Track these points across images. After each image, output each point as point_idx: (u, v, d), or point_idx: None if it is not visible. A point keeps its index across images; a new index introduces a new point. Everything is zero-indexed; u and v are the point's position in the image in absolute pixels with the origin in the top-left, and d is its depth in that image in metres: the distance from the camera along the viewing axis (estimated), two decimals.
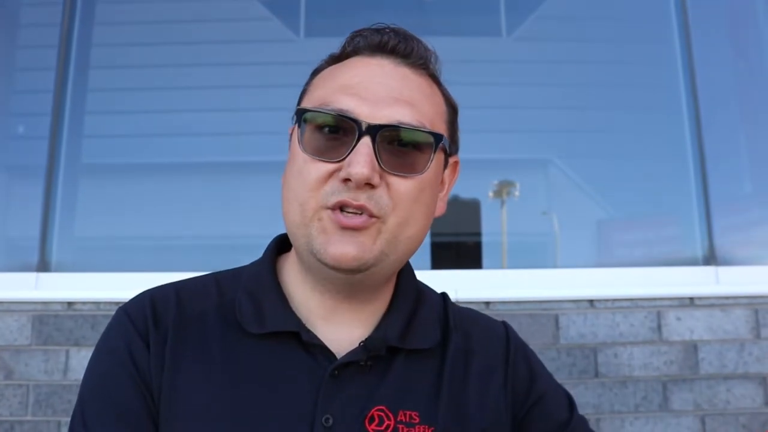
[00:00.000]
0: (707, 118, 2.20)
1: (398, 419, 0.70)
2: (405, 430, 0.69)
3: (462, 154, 2.48)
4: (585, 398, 1.92)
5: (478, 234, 2.44)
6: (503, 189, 2.71)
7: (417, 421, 0.70)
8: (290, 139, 0.74)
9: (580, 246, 2.56)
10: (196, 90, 2.33)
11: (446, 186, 0.79)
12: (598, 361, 1.93)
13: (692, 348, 1.93)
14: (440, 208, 0.78)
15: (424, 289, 0.82)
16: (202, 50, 2.38)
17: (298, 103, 0.76)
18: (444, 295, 0.84)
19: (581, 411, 1.92)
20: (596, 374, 1.93)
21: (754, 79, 2.44)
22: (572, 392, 1.94)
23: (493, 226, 2.54)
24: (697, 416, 1.89)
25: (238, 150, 2.36)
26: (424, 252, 2.35)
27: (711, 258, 2.08)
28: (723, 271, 2.03)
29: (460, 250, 2.45)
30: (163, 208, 2.28)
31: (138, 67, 2.35)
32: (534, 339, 1.92)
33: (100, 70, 2.34)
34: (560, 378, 1.93)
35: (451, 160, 0.79)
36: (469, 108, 2.71)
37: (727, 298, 1.95)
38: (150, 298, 0.74)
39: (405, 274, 0.79)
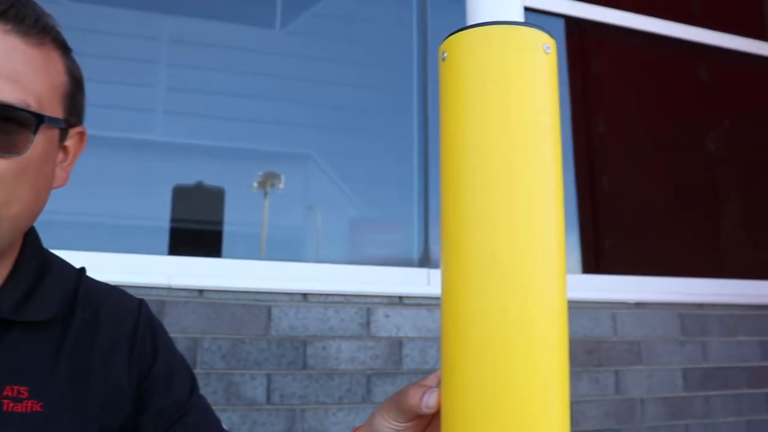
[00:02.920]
0: (435, 132, 2.32)
1: (4, 394, 0.67)
2: (11, 405, 0.67)
3: (225, 143, 2.40)
4: (291, 389, 1.95)
5: (220, 222, 2.41)
6: (267, 181, 2.70)
7: (25, 396, 0.68)
8: None
9: (335, 243, 2.61)
10: None
11: (70, 156, 0.77)
12: (307, 353, 1.97)
13: (398, 344, 2.02)
14: (61, 179, 0.76)
15: (53, 263, 0.79)
16: None
17: None
18: (81, 270, 0.83)
19: (287, 402, 1.95)
20: (304, 366, 1.96)
21: None
22: (280, 383, 1.96)
23: (256, 217, 2.53)
24: None
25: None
26: (162, 236, 2.28)
27: (425, 260, 2.19)
28: (435, 273, 2.14)
29: (201, 237, 2.41)
30: None
31: None
32: (245, 329, 1.92)
33: None
34: (268, 368, 1.95)
35: (74, 131, 0.77)
36: (236, 96, 2.65)
37: (435, 298, 2.06)
38: None
39: (28, 247, 0.76)
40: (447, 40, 0.57)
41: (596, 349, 2.22)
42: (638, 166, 2.77)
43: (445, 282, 0.54)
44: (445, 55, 0.57)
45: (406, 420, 0.62)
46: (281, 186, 2.71)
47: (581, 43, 2.88)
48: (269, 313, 1.95)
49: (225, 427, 0.87)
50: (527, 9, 2.60)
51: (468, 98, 0.54)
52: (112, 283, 0.86)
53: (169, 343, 0.85)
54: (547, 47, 0.56)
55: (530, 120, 0.53)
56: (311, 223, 2.72)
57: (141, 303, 0.86)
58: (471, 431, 0.49)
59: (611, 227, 2.70)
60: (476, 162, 0.53)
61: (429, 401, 0.59)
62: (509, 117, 0.53)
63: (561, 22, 2.82)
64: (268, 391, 1.93)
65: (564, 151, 2.76)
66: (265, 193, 2.68)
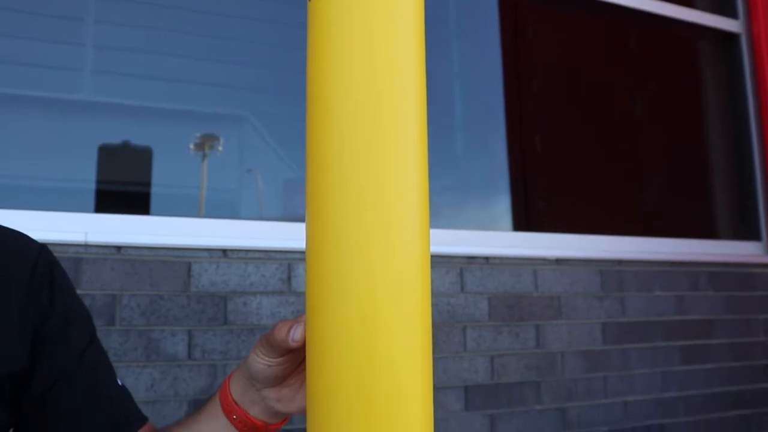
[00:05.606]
0: None
1: None
2: None
3: (157, 103, 2.31)
4: (213, 345, 1.89)
5: (148, 183, 2.32)
6: (205, 142, 2.61)
7: None
8: None
9: (271, 204, 2.55)
10: None
11: None
12: (227, 309, 1.91)
13: None
14: None
15: None
16: None
17: None
18: None
19: (208, 357, 1.90)
20: (225, 322, 1.90)
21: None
22: (200, 339, 1.90)
23: (188, 179, 2.45)
24: None
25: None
26: (82, 195, 2.19)
27: None
28: None
29: (124, 196, 2.32)
30: None
31: None
32: (165, 286, 1.85)
33: None
34: (189, 324, 1.89)
35: None
36: (168, 55, 2.54)
37: None
38: None
39: None
40: None
41: (517, 304, 2.21)
42: (565, 128, 2.75)
43: (309, 226, 0.51)
44: None
45: (277, 355, 0.61)
46: (220, 148, 2.63)
47: (513, 5, 2.83)
48: (189, 269, 1.88)
49: (120, 382, 0.81)
50: None
51: (332, 39, 0.51)
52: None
53: (68, 292, 0.78)
54: None
55: (392, 62, 0.51)
56: (247, 185, 2.65)
57: (41, 249, 0.78)
58: (332, 370, 0.48)
59: (537, 187, 2.68)
60: (339, 107, 0.50)
61: (295, 335, 0.58)
62: (371, 60, 0.50)
63: None
64: (189, 347, 1.87)
65: (495, 113, 2.73)
66: (204, 155, 2.60)
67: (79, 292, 0.82)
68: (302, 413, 0.63)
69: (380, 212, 0.48)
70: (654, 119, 2.92)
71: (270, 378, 0.63)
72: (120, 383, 0.80)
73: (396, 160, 0.49)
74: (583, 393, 2.28)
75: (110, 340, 1.80)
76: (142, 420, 0.79)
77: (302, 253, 1.97)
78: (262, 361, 0.62)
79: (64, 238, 1.80)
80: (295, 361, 0.63)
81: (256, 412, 0.65)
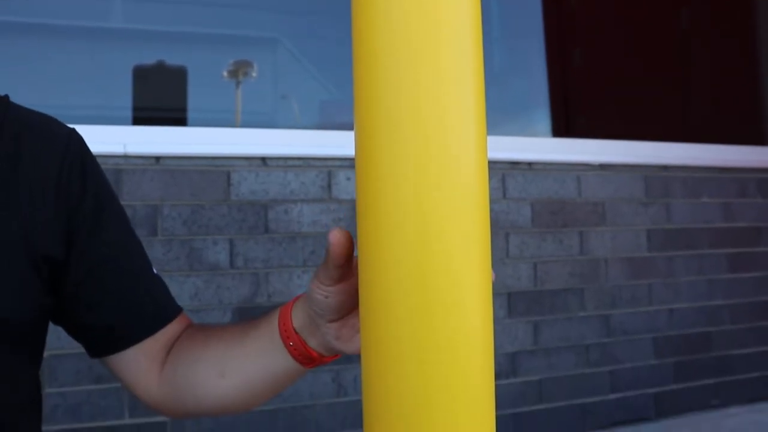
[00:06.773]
0: None
1: None
2: None
3: (189, 27, 2.23)
4: (255, 253, 1.85)
5: (184, 104, 2.27)
6: (239, 69, 2.55)
7: None
8: None
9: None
10: None
11: None
12: (268, 217, 1.86)
13: None
14: None
15: None
16: None
17: None
18: (3, 97, 0.70)
19: (251, 265, 1.86)
20: (266, 230, 1.86)
21: None
22: (242, 247, 1.86)
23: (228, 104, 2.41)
24: None
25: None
26: (120, 110, 2.16)
27: None
28: None
29: (165, 114, 2.27)
30: None
31: None
32: (205, 195, 1.81)
33: None
34: (230, 233, 1.85)
35: None
36: None
37: None
38: None
39: None
40: None
41: (561, 210, 2.12)
42: (609, 36, 2.61)
43: (358, 132, 0.46)
44: None
45: (334, 281, 0.57)
46: (254, 74, 2.56)
47: None
48: (228, 178, 1.83)
49: (156, 271, 0.77)
50: None
51: None
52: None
53: (100, 177, 0.74)
54: None
55: None
56: (282, 109, 2.59)
57: (71, 133, 0.73)
58: (386, 282, 0.44)
59: (581, 93, 2.56)
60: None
61: (331, 236, 0.54)
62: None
63: None
64: (231, 256, 1.84)
65: (536, 21, 2.61)
66: (237, 82, 2.54)
67: None
68: (357, 353, 0.59)
69: (435, 109, 0.43)
70: (700, 25, 2.75)
71: (329, 310, 0.59)
72: (155, 272, 0.76)
73: (450, 59, 0.44)
74: (627, 300, 2.20)
75: (153, 251, 1.77)
76: (177, 310, 0.75)
77: (342, 159, 1.91)
78: (320, 291, 0.58)
79: (103, 150, 1.76)
80: (353, 293, 0.57)
81: (314, 344, 0.63)
